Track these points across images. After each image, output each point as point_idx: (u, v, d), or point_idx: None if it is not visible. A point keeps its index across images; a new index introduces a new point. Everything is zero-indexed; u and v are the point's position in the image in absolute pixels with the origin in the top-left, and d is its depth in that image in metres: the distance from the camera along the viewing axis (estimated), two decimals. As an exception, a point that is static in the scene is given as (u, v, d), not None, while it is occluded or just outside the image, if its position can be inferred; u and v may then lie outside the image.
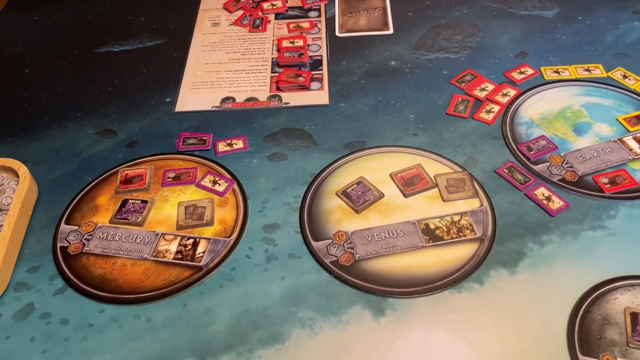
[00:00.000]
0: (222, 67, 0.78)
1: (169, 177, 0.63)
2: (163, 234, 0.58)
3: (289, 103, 0.72)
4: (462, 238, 0.56)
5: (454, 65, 0.76)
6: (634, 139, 0.64)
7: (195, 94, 0.74)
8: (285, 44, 0.80)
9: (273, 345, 0.49)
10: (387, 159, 0.64)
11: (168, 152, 0.67)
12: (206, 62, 0.79)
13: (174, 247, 0.57)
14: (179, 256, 0.56)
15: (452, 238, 0.56)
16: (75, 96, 0.76)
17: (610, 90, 0.70)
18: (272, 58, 0.79)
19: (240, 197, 0.61)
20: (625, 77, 0.72)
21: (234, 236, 0.57)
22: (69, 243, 0.58)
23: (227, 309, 0.52)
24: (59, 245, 0.58)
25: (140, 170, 0.64)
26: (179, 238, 0.57)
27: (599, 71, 0.73)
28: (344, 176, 0.63)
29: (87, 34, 0.86)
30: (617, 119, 0.67)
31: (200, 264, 0.55)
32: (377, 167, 0.63)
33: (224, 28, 0.85)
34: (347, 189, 0.61)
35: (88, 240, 0.58)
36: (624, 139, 0.64)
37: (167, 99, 0.74)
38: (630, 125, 0.65)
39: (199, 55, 0.80)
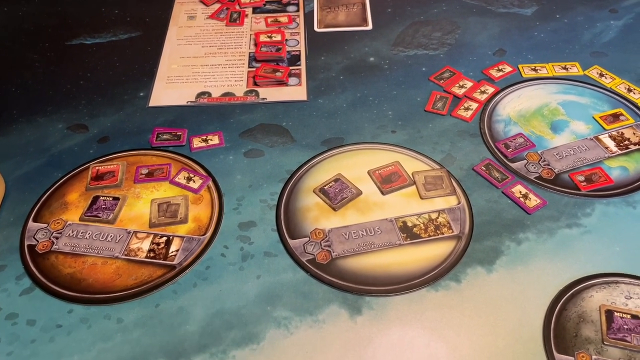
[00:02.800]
0: (197, 61, 0.77)
1: (141, 174, 0.62)
2: (135, 232, 0.56)
3: (266, 98, 0.71)
4: (440, 236, 0.56)
5: (432, 62, 0.75)
6: (610, 137, 0.64)
7: (170, 89, 0.73)
8: (262, 38, 0.79)
9: (248, 346, 0.48)
10: (365, 156, 0.64)
11: (141, 147, 0.65)
12: (181, 56, 0.77)
13: (146, 245, 0.55)
14: (152, 255, 0.54)
15: (429, 236, 0.56)
16: (45, 90, 0.73)
17: (586, 89, 0.71)
18: (250, 52, 0.78)
19: (215, 194, 0.60)
20: (601, 75, 0.72)
21: (209, 234, 0.56)
22: (37, 241, 0.56)
23: (201, 309, 0.51)
24: (26, 243, 0.56)
25: (112, 166, 0.62)
26: (151, 236, 0.56)
27: (575, 69, 0.73)
28: (322, 173, 0.62)
29: (59, 25, 0.84)
30: (593, 117, 0.67)
31: (174, 262, 0.54)
32: (355, 164, 0.63)
33: (200, 21, 0.83)
34: (325, 186, 0.60)
35: (57, 238, 0.56)
36: (600, 137, 0.65)
37: (141, 94, 0.72)
38: (606, 123, 0.66)
39: (174, 49, 0.79)
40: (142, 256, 0.54)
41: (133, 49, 0.79)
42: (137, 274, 0.53)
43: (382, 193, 0.60)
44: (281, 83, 0.73)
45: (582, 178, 0.60)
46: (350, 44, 0.79)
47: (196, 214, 0.58)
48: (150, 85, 0.73)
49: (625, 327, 0.48)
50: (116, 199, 0.59)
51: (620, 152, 0.63)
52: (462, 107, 0.68)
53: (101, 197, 0.59)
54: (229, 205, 0.59)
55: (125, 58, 0.78)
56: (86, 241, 0.56)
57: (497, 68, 0.74)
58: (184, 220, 0.57)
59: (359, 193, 0.60)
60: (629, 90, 0.70)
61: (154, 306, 0.51)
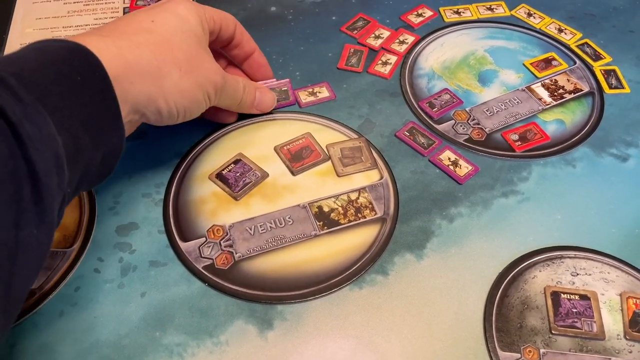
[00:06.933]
0: (59, 22, 0.62)
1: (-12, 173, 0.49)
2: (-20, 252, 0.44)
3: (146, 65, 0.58)
4: (362, 220, 0.47)
5: (344, 10, 0.65)
6: (543, 86, 0.57)
7: (25, 60, 0.58)
8: (139, -10, 0.65)
9: (132, 387, 0.39)
10: (271, 129, 0.53)
11: (-13, 138, 0.52)
12: (38, 16, 0.63)
13: (-5, 268, 0.43)
14: (4, 280, 0.43)
15: (349, 221, 0.47)
16: None
17: (515, 32, 0.63)
18: (124, 8, 0.64)
19: (84, 193, 0.48)
20: (529, 15, 0.65)
21: (77, 245, 0.45)
22: None
23: (70, 345, 0.40)
24: None
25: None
26: (2, 255, 0.44)
27: (502, 9, 0.65)
28: (219, 154, 0.51)
29: None
30: (523, 64, 0.60)
31: (32, 286, 0.42)
32: (258, 140, 0.52)
33: (62, -28, 0.68)
34: (223, 170, 0.50)
35: None
36: (532, 86, 0.57)
37: (-13, 68, 0.58)
38: (538, 70, 0.59)
39: (29, 9, 0.64)
40: (-10, 283, 0.42)
41: (-25, 11, 0.64)
42: (-17, 308, 0.41)
43: (293, 173, 0.50)
44: (165, 45, 0.60)
45: (515, 137, 0.53)
46: (247, -8, 0.67)
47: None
48: (-2, 57, 0.59)
49: (574, 310, 0.42)
50: (-47, 210, 0.46)
51: (555, 102, 0.56)
52: (380, 62, 0.59)
53: None
54: (103, 204, 0.48)
55: (-35, 23, 0.62)
56: None
57: (416, 13, 0.64)
58: (44, 231, 0.45)
59: (265, 176, 0.50)
60: (560, 30, 0.63)
61: (9, 347, 0.40)
